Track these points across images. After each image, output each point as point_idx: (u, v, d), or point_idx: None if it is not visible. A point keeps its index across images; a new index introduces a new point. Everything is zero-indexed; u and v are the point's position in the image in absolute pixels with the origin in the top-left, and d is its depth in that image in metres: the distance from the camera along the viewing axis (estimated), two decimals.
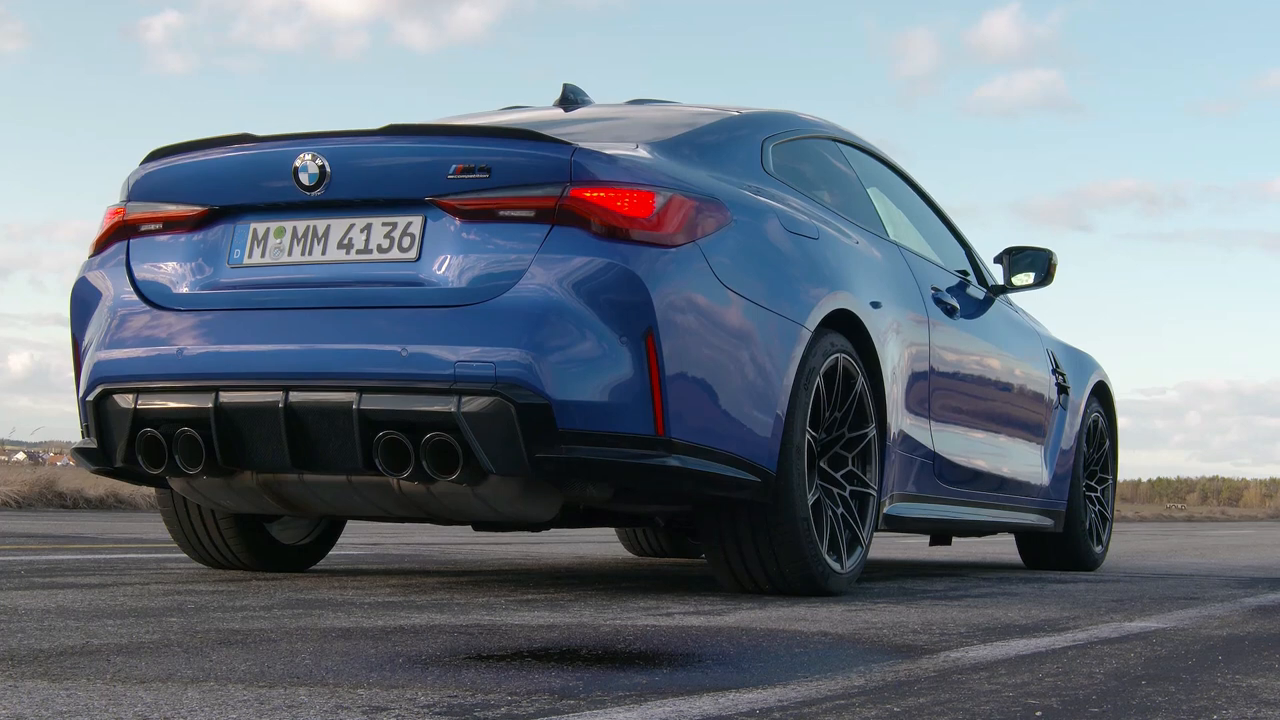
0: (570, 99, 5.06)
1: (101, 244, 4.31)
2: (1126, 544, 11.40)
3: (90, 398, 4.08)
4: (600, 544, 8.31)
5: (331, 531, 5.01)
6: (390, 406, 3.72)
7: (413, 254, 3.88)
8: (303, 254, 4.00)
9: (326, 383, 3.80)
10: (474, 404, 3.65)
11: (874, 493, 4.41)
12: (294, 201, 3.99)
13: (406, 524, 8.77)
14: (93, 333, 4.20)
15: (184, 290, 4.08)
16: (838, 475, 4.32)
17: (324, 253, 3.98)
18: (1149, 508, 52.49)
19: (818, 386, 4.15)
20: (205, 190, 4.12)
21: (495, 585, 4.43)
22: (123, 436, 4.01)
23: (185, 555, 4.87)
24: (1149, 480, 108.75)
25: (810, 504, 4.10)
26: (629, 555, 6.78)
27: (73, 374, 4.30)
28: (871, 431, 4.40)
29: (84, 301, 4.27)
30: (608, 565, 5.80)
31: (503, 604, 3.75)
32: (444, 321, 3.77)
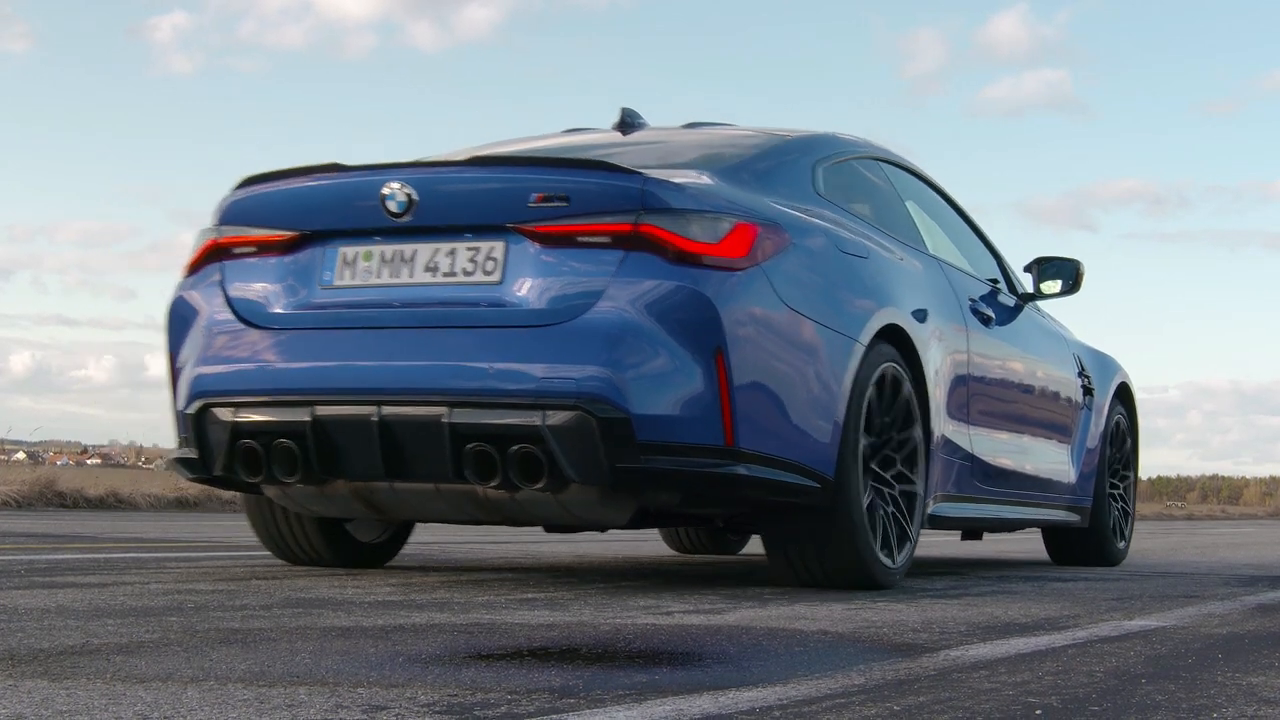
0: (628, 122, 5.29)
1: (195, 266, 4.53)
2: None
3: (191, 411, 4.32)
4: (600, 543, 8.30)
5: (403, 531, 5.25)
6: (479, 420, 3.96)
7: (496, 277, 4.12)
8: (391, 276, 4.23)
9: (418, 398, 4.04)
10: (558, 417, 3.89)
11: (920, 492, 4.68)
12: (381, 227, 4.21)
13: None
14: (190, 349, 4.43)
15: (278, 310, 4.31)
16: (888, 476, 4.57)
17: (411, 275, 4.21)
18: (1149, 506, 52.43)
19: (869, 394, 4.42)
20: (296, 216, 4.35)
21: (495, 584, 4.43)
22: (222, 447, 4.25)
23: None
24: (1149, 479, 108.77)
25: (864, 505, 4.37)
26: (635, 554, 6.78)
27: (169, 388, 4.53)
28: (918, 434, 4.66)
29: (180, 320, 4.49)
30: (608, 564, 5.80)
31: (503, 603, 3.75)
32: (527, 340, 4.01)
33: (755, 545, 7.88)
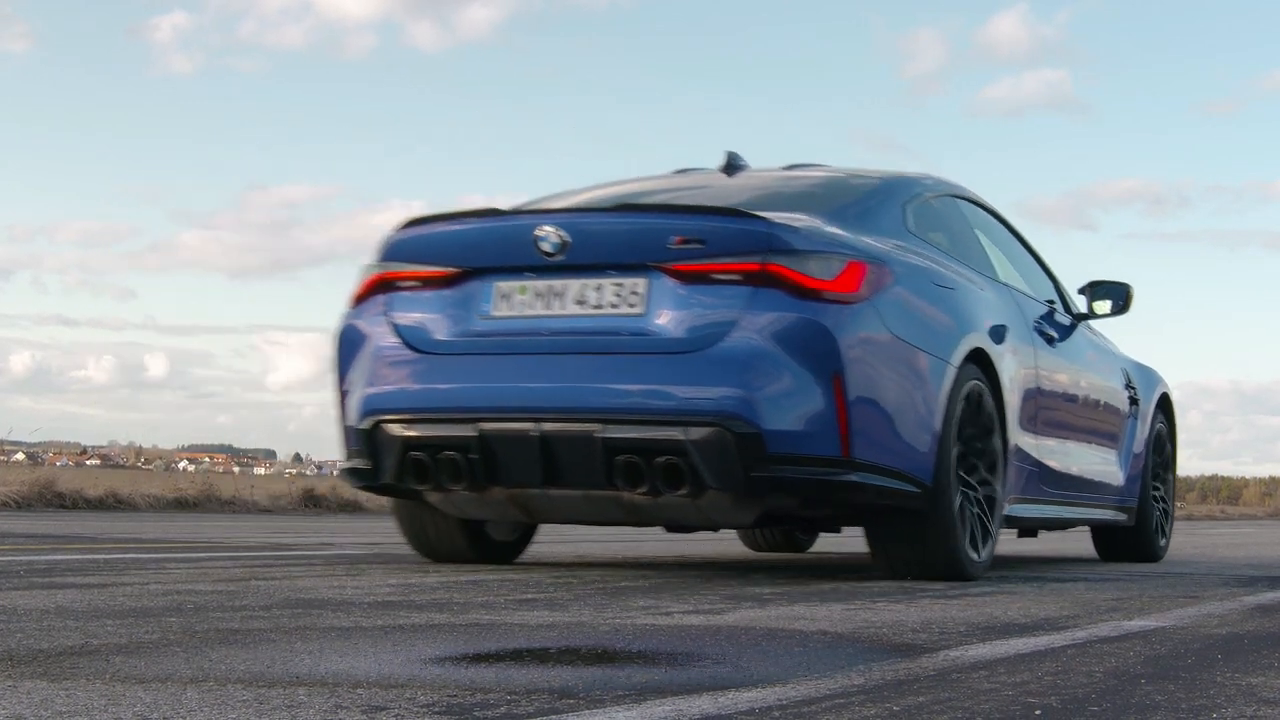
0: (732, 164, 5.91)
1: (361, 297, 5.08)
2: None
3: (364, 426, 4.88)
4: (599, 544, 8.30)
5: (530, 531, 5.77)
6: (628, 435, 4.53)
7: (640, 309, 4.68)
8: (544, 308, 4.80)
9: (574, 415, 4.60)
10: (699, 433, 4.46)
11: (999, 495, 5.26)
12: (535, 264, 4.78)
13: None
14: (359, 372, 4.99)
15: (441, 337, 4.86)
16: (973, 481, 5.12)
17: (562, 307, 4.77)
18: None
19: (960, 408, 4.98)
20: (456, 254, 4.91)
21: (494, 585, 4.43)
22: (393, 458, 4.81)
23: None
24: None
25: (956, 507, 4.93)
26: (635, 555, 6.78)
27: (336, 406, 5.10)
28: (997, 443, 5.24)
29: (349, 345, 5.05)
30: (607, 564, 5.80)
31: (502, 603, 3.75)
32: (669, 365, 4.58)
33: (822, 543, 8.09)
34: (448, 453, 4.71)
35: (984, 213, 6.29)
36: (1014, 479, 5.47)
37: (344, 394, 5.06)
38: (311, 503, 14.80)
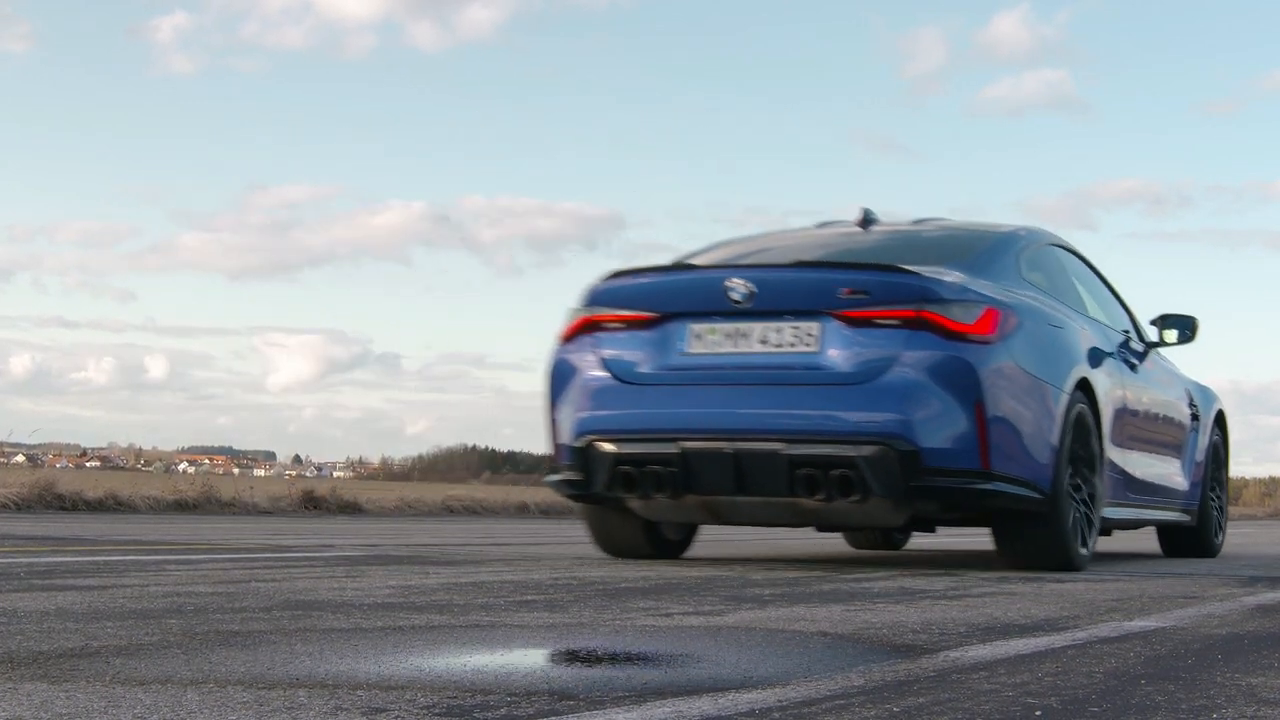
0: (867, 219, 6.83)
1: (570, 335, 6.03)
2: (1126, 543, 11.39)
3: (578, 444, 5.83)
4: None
5: (693, 532, 6.79)
6: (808, 452, 5.49)
7: (814, 348, 5.63)
8: (732, 346, 5.74)
9: (762, 436, 5.55)
10: (868, 450, 5.43)
11: (1098, 499, 6.25)
12: (724, 310, 5.74)
13: (408, 528, 8.75)
14: (570, 398, 5.93)
15: (644, 370, 5.82)
16: (1079, 487, 6.09)
17: (748, 346, 5.72)
18: None
19: (1070, 428, 5.94)
20: (654, 300, 5.88)
21: (495, 586, 4.43)
22: (604, 472, 5.77)
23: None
24: None
25: (1069, 510, 5.91)
26: (647, 553, 6.78)
27: (547, 427, 6.03)
28: (1096, 455, 6.22)
29: (560, 376, 6.01)
30: (606, 565, 5.80)
31: (502, 605, 3.75)
32: (840, 394, 5.52)
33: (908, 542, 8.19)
34: (652, 467, 5.69)
35: (1073, 256, 7.22)
36: (1107, 486, 6.43)
37: (555, 417, 6.02)
38: (311, 504, 14.81)
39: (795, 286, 5.73)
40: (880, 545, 8.64)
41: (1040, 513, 5.80)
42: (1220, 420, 8.44)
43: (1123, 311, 7.57)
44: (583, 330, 5.99)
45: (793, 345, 5.66)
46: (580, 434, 5.84)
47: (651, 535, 6.35)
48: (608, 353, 5.89)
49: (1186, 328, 7.62)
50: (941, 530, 9.50)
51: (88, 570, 4.76)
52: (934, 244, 6.40)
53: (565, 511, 17.96)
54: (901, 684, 2.42)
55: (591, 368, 5.91)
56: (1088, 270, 7.36)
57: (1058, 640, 3.18)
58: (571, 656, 2.71)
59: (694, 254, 6.62)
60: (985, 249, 6.28)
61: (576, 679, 2.38)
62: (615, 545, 6.41)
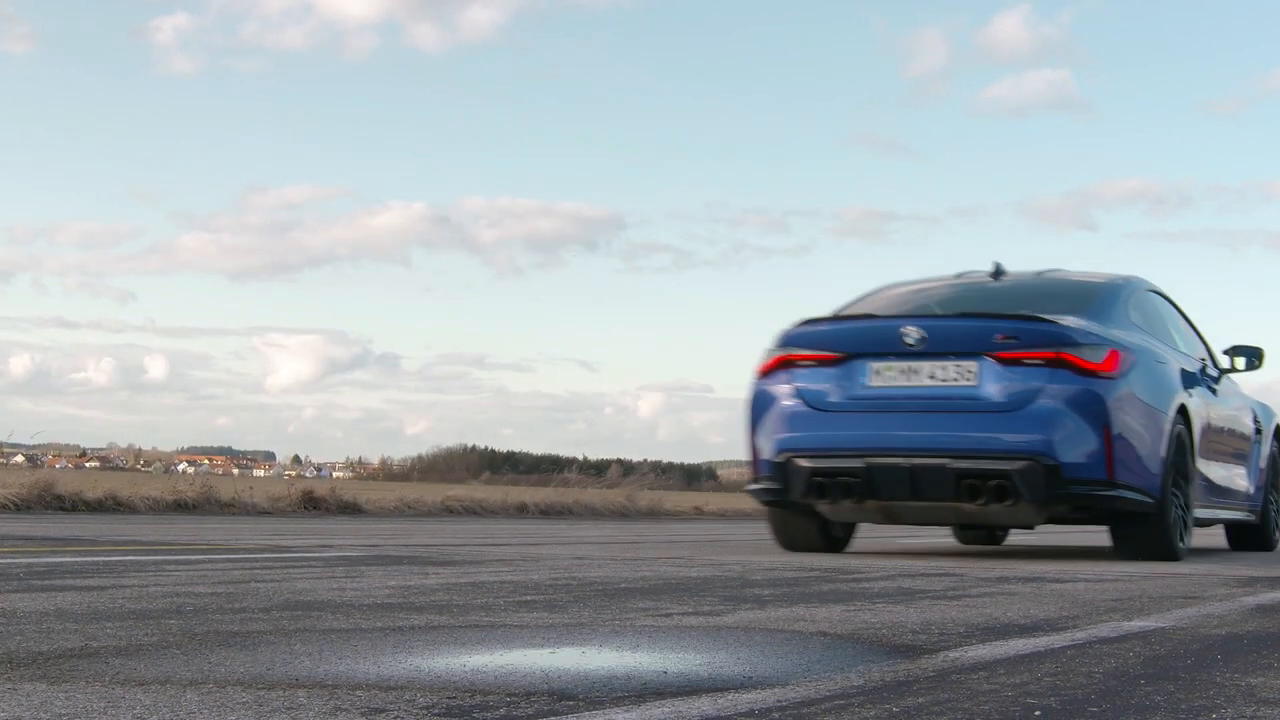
0: (998, 271, 8.26)
1: (767, 371, 7.44)
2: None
3: (778, 460, 7.24)
4: (597, 545, 8.30)
5: (853, 530, 8.13)
6: (971, 466, 6.88)
7: (974, 382, 7.01)
8: (905, 381, 7.11)
9: (931, 453, 6.94)
10: (1019, 464, 6.84)
11: (1191, 502, 7.67)
12: (899, 351, 7.12)
13: (408, 528, 8.76)
14: (768, 422, 7.35)
15: (833, 399, 7.21)
16: (1177, 493, 7.46)
17: (919, 380, 7.09)
18: None
19: (1173, 445, 7.33)
20: (840, 343, 7.28)
21: (494, 586, 4.43)
22: (800, 482, 7.17)
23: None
24: None
25: (1172, 512, 7.34)
26: (633, 556, 6.78)
27: (748, 446, 7.46)
28: (1190, 466, 7.65)
29: (760, 403, 7.43)
30: (606, 566, 5.80)
31: (501, 605, 3.75)
32: (995, 420, 6.91)
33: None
34: (841, 478, 7.05)
35: (1162, 299, 8.52)
36: (1196, 491, 7.83)
37: (755, 437, 7.41)
38: (311, 505, 14.80)
39: (958, 332, 7.11)
40: (985, 541, 10.13)
41: (1150, 514, 7.21)
42: (1278, 432, 9.89)
43: (1200, 342, 8.91)
44: (779, 367, 7.41)
45: (956, 380, 7.04)
46: (780, 451, 7.26)
47: (823, 532, 7.77)
48: (801, 385, 7.31)
49: (1254, 356, 8.98)
50: (1020, 531, 11.00)
51: (87, 571, 4.76)
52: (1058, 293, 7.79)
53: (564, 512, 17.96)
54: (901, 684, 2.42)
55: (787, 397, 7.33)
56: (1173, 309, 8.68)
57: (1057, 640, 3.18)
58: (571, 657, 2.71)
59: (857, 301, 8.11)
60: (1101, 298, 7.70)
61: (576, 679, 2.38)
62: (793, 541, 7.84)
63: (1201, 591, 5.05)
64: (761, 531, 11.10)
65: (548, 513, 17.62)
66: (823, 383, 7.23)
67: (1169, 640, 3.26)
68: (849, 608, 3.87)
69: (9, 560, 5.27)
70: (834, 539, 7.85)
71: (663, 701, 2.17)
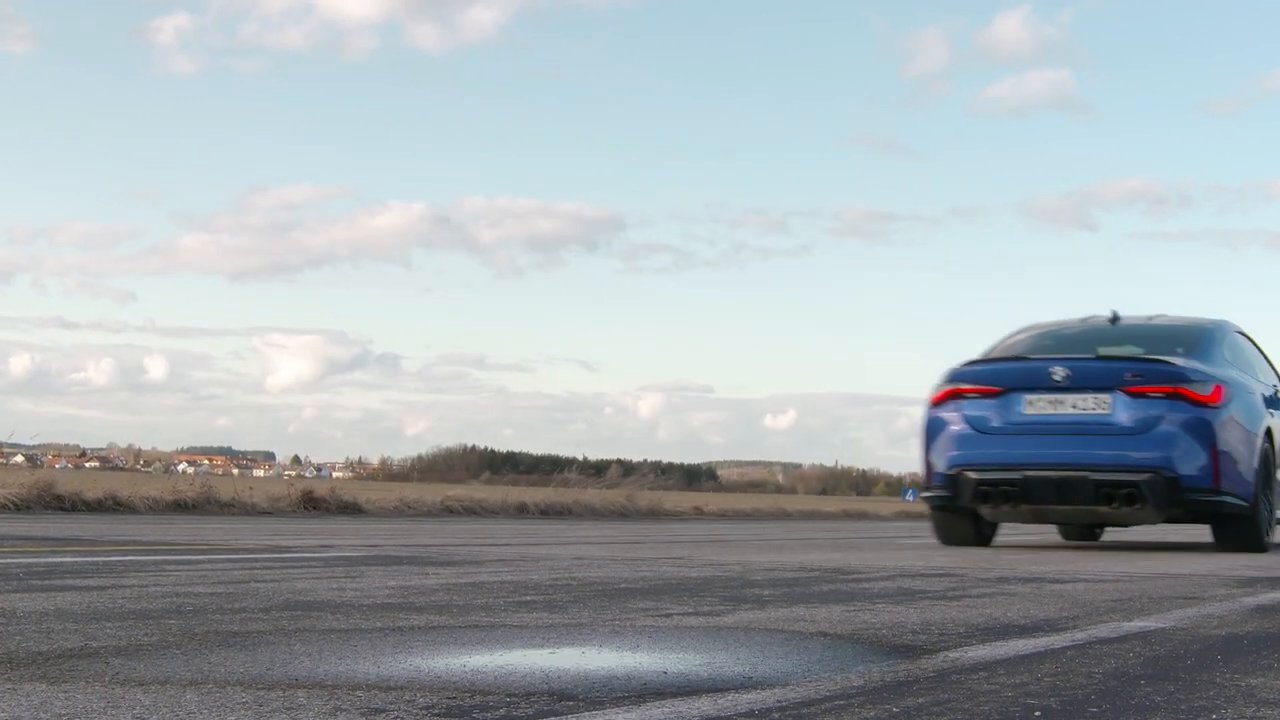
0: (1115, 316, 10.32)
1: (938, 401, 9.31)
2: (1125, 544, 11.39)
3: (950, 473, 9.12)
4: (598, 546, 8.30)
5: (996, 526, 9.88)
6: (1107, 477, 8.73)
7: (1108, 411, 8.85)
8: (1052, 410, 8.96)
9: (1075, 467, 8.79)
10: (1145, 476, 8.68)
11: (1275, 504, 9.52)
12: (1048, 386, 8.97)
13: (408, 528, 8.75)
14: (941, 442, 9.23)
15: (994, 424, 9.08)
16: (1266, 497, 9.26)
17: (1063, 409, 8.93)
18: None
19: (1262, 459, 9.13)
20: (1000, 380, 9.15)
21: (494, 586, 4.43)
22: (968, 491, 9.03)
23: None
24: None
25: (1263, 513, 9.15)
26: (633, 557, 6.78)
27: (921, 461, 9.40)
28: (1273, 475, 9.47)
29: (933, 427, 9.32)
30: (605, 565, 5.80)
31: (501, 605, 3.75)
32: (1126, 441, 8.76)
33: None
34: (1002, 487, 8.94)
35: (1244, 337, 10.24)
36: (1276, 495, 9.65)
37: (929, 454, 9.33)
38: (310, 505, 14.80)
39: (1095, 372, 8.97)
40: (1085, 537, 12.21)
41: (1246, 515, 9.03)
42: None
43: (1272, 371, 10.65)
44: (949, 398, 9.29)
45: (1093, 409, 8.88)
46: (951, 466, 9.15)
47: (975, 530, 9.60)
48: (968, 413, 9.18)
49: None
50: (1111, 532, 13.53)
51: (87, 571, 4.76)
52: (1168, 336, 9.71)
53: (564, 512, 17.95)
54: (901, 684, 2.42)
55: (956, 423, 9.20)
56: (1252, 345, 10.45)
57: (1057, 641, 3.18)
58: (570, 657, 2.70)
59: (1003, 342, 10.11)
60: (1204, 341, 9.52)
61: (576, 680, 2.38)
62: (950, 537, 9.65)
63: (1201, 592, 5.05)
64: (760, 532, 11.08)
65: (548, 513, 17.62)
66: (985, 411, 9.14)
67: (1169, 641, 3.26)
68: (849, 608, 3.87)
69: (9, 560, 5.27)
70: (984, 535, 9.70)
71: (662, 702, 2.17)
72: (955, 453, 9.12)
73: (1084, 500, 8.78)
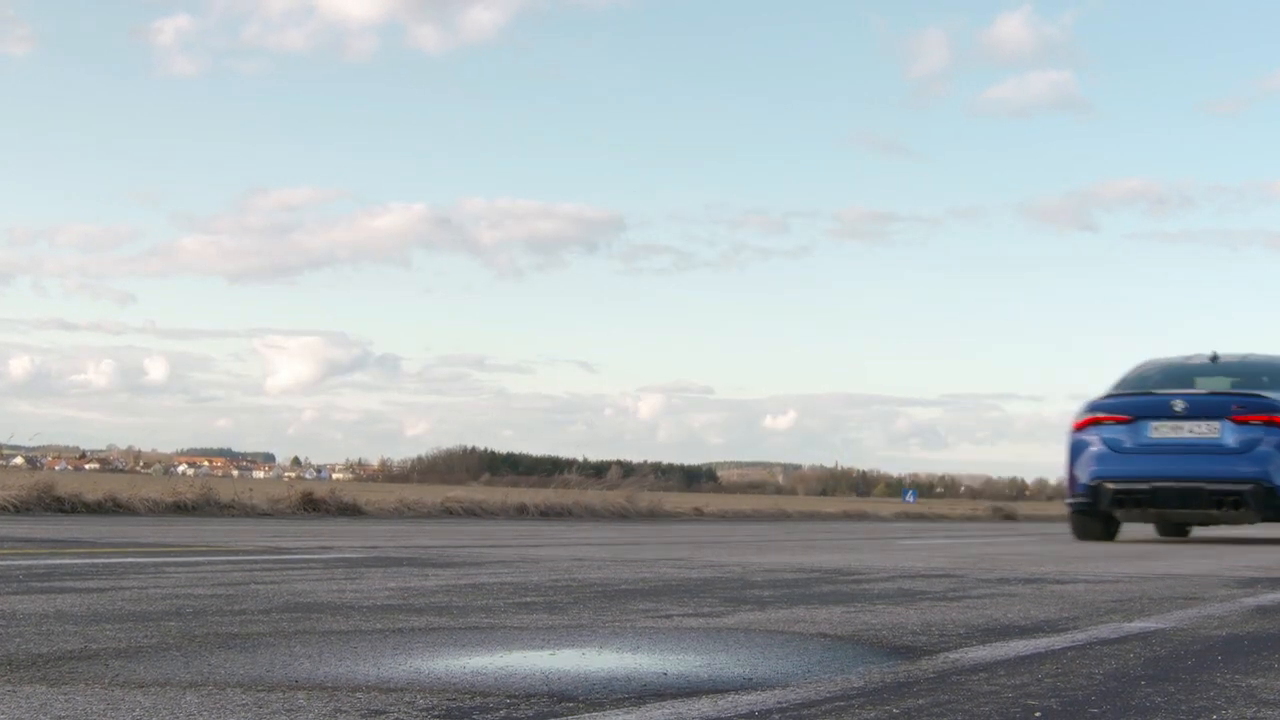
0: (1215, 355, 12.70)
1: (1080, 427, 11.85)
2: (1126, 544, 11.40)
3: (1091, 484, 11.65)
4: (599, 547, 8.30)
5: (1119, 525, 12.33)
6: (1218, 488, 11.33)
7: (1218, 435, 11.39)
8: (1174, 434, 11.49)
9: (1193, 480, 11.37)
10: (1248, 487, 11.29)
11: None
12: (1170, 415, 11.51)
13: (408, 530, 8.75)
14: (1083, 460, 11.74)
15: (1127, 446, 11.63)
16: None
17: (1182, 434, 11.46)
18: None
19: None
20: (1130, 410, 11.68)
21: (494, 588, 4.43)
22: (1106, 498, 11.60)
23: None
24: None
25: None
26: (634, 558, 6.77)
27: (1067, 475, 11.93)
28: None
29: (1076, 448, 11.83)
30: (605, 566, 5.80)
31: (501, 607, 3.75)
32: (1232, 459, 11.34)
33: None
34: (1135, 496, 11.43)
35: None
36: None
37: (1074, 470, 11.81)
38: (310, 506, 14.80)
39: (1209, 404, 11.48)
40: (1176, 534, 14.20)
41: None
42: None
43: None
44: (1089, 425, 11.83)
45: (1206, 434, 11.34)
46: (1092, 479, 11.69)
47: (1106, 529, 12.09)
48: (1105, 436, 11.72)
49: None
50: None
51: (87, 572, 4.76)
52: (1260, 371, 12.24)
53: (564, 513, 17.95)
54: (901, 686, 2.42)
55: (1095, 444, 11.74)
56: None
57: (1057, 641, 3.18)
58: (570, 659, 2.70)
59: (1128, 377, 12.62)
60: None
61: (576, 681, 2.38)
62: (1086, 534, 12.10)
63: (1202, 593, 5.05)
64: (760, 533, 11.10)
65: (547, 514, 17.62)
66: (1119, 435, 11.71)
67: (1169, 641, 3.26)
68: (849, 609, 3.86)
69: (9, 562, 5.27)
70: (1111, 532, 12.22)
71: (662, 703, 2.17)
72: (1095, 468, 11.71)
73: (1200, 505, 11.36)
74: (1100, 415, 11.77)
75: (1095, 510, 11.73)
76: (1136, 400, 11.76)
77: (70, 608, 3.46)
